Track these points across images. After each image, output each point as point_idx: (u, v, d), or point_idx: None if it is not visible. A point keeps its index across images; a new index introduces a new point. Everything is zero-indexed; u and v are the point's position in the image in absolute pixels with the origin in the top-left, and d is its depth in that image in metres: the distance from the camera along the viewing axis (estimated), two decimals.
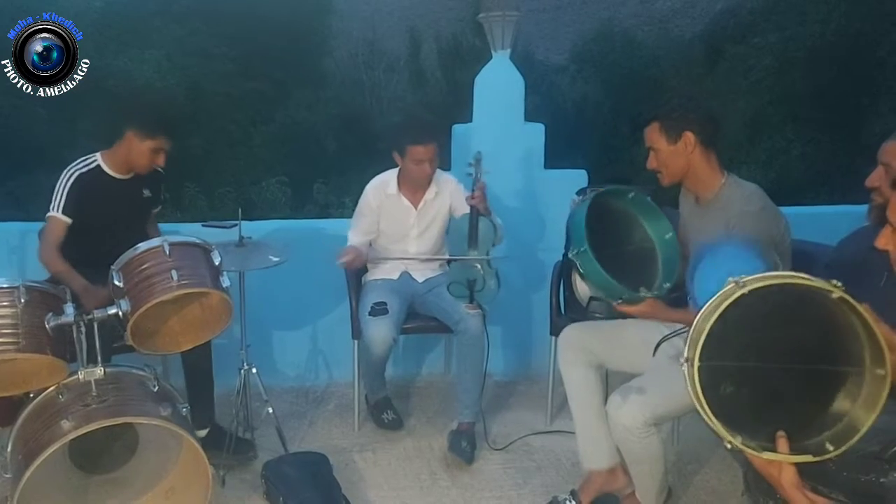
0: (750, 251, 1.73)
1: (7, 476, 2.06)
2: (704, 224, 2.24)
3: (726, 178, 2.23)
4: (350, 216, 3.14)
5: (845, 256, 2.09)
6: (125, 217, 2.77)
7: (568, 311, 3.02)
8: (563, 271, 3.04)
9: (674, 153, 2.22)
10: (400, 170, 2.99)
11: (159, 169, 2.85)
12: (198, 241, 2.30)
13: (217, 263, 2.25)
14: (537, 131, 3.69)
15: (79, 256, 2.62)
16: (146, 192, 2.84)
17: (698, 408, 1.22)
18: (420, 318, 3.05)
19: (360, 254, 2.95)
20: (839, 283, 1.21)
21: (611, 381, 2.53)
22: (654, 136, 2.24)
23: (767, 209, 2.16)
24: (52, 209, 2.63)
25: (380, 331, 2.79)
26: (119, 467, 2.38)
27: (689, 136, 2.18)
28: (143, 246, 2.18)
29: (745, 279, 1.24)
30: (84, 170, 2.69)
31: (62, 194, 2.63)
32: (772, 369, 1.24)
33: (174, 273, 2.10)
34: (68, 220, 2.63)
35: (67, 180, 2.65)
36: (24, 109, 13.01)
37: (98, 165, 2.72)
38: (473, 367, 2.88)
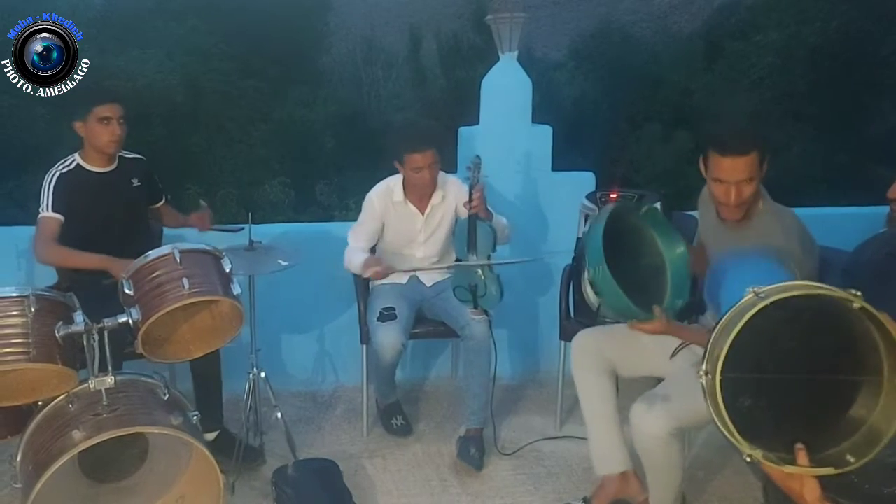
0: (774, 263, 1.71)
1: (17, 486, 2.04)
2: (735, 245, 2.12)
3: (764, 201, 2.12)
4: (355, 218, 3.11)
5: (863, 262, 2.08)
6: (119, 210, 2.75)
7: (577, 314, 3.01)
8: (573, 275, 3.03)
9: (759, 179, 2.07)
10: (403, 177, 2.98)
11: (140, 157, 2.86)
12: (208, 248, 2.28)
13: (228, 270, 2.23)
14: (545, 133, 3.66)
15: None
16: (135, 182, 2.81)
17: (717, 421, 1.21)
18: (428, 323, 3.03)
19: (385, 267, 2.90)
20: (858, 293, 1.19)
21: (621, 386, 2.51)
22: (753, 167, 2.03)
23: (805, 241, 2.08)
24: (42, 210, 2.63)
25: (389, 337, 2.78)
26: (129, 475, 2.36)
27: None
28: (153, 254, 2.15)
29: (764, 290, 1.22)
30: (65, 169, 2.69)
31: (48, 194, 2.64)
32: (790, 380, 1.23)
33: (185, 281, 2.08)
34: (60, 217, 2.62)
35: (50, 181, 2.66)
36: (22, 109, 12.95)
37: (77, 164, 2.72)
38: (480, 373, 2.87)
